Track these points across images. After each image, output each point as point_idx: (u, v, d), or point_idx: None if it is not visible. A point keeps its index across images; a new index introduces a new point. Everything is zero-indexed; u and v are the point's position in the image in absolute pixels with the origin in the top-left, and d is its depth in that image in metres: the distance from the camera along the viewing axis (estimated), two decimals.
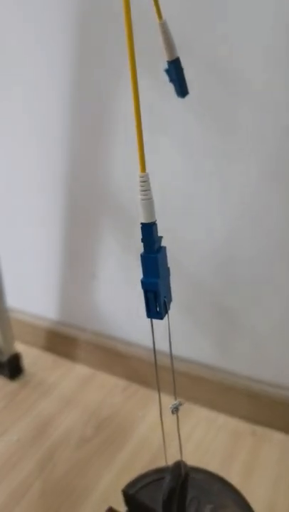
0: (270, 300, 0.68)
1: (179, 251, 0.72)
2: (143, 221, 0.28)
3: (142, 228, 0.28)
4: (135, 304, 0.82)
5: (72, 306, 0.90)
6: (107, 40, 0.66)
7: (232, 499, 0.40)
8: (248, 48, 0.56)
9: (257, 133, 0.60)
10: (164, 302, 0.29)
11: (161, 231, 0.79)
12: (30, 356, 0.93)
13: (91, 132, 0.74)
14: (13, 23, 0.74)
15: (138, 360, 0.82)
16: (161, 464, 0.66)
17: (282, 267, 0.65)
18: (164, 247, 0.29)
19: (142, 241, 0.28)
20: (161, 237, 0.29)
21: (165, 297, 0.30)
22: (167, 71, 0.36)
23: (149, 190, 0.28)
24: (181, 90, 0.37)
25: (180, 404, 0.34)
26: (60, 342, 0.92)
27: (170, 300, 0.31)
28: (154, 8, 0.32)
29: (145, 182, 0.28)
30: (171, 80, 0.37)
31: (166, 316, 0.30)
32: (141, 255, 0.29)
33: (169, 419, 0.81)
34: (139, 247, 0.87)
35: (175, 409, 0.33)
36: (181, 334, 0.77)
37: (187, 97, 0.57)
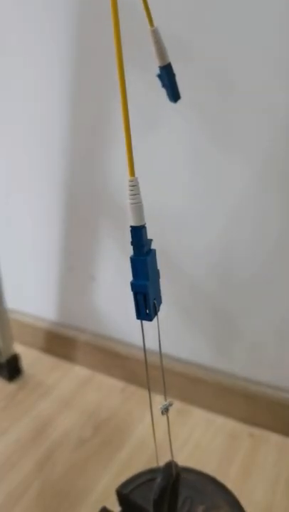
0: (268, 302, 0.68)
1: (176, 253, 0.72)
2: (132, 224, 0.28)
3: (132, 231, 0.28)
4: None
5: (71, 307, 0.90)
6: (107, 40, 0.66)
7: (225, 500, 0.40)
8: (243, 48, 0.57)
9: (253, 134, 0.60)
10: (154, 304, 0.30)
11: (158, 233, 0.78)
12: (29, 357, 0.93)
13: (91, 132, 0.74)
14: (13, 23, 0.74)
15: (136, 361, 0.82)
16: (162, 463, 0.66)
17: (281, 268, 0.65)
18: (154, 250, 0.30)
19: (132, 244, 0.29)
20: (150, 240, 0.30)
21: (155, 299, 0.30)
22: (159, 76, 0.37)
23: (139, 194, 0.28)
24: (173, 95, 0.38)
25: (170, 404, 0.34)
26: (58, 343, 0.92)
27: (160, 302, 0.31)
28: (145, 15, 0.33)
29: (134, 186, 0.28)
30: (164, 85, 0.37)
31: (156, 318, 0.31)
32: (130, 258, 0.29)
33: (166, 420, 0.81)
34: None
35: (165, 410, 0.33)
36: (179, 335, 0.78)
37: (184, 99, 0.58)
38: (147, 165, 0.69)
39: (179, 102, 0.62)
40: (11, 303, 0.91)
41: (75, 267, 0.86)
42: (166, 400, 0.35)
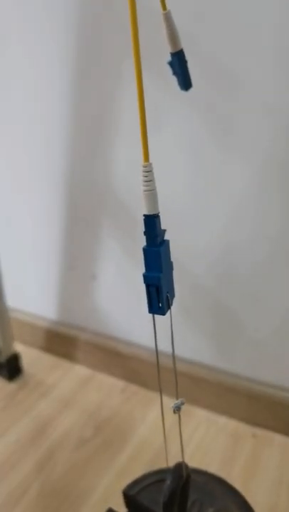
0: (270, 301, 0.67)
1: (176, 252, 0.71)
2: (146, 213, 0.27)
3: (145, 220, 0.27)
4: (135, 304, 0.82)
5: (72, 306, 0.89)
6: (107, 40, 0.65)
7: (235, 502, 0.39)
8: (245, 48, 0.56)
9: (254, 134, 0.59)
10: (167, 297, 0.29)
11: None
12: (29, 356, 0.92)
13: (91, 132, 0.73)
14: (12, 24, 0.73)
15: (138, 360, 0.81)
16: (161, 465, 0.65)
17: (283, 267, 0.64)
18: (168, 241, 0.29)
19: (145, 234, 0.28)
20: (164, 230, 0.29)
21: (168, 292, 0.29)
22: (170, 63, 0.35)
23: (153, 180, 0.27)
24: (185, 83, 0.37)
25: (182, 403, 0.33)
26: (59, 342, 0.91)
27: (173, 296, 0.30)
28: None
29: (148, 172, 0.27)
30: (174, 73, 0.36)
31: (169, 312, 0.30)
32: (143, 248, 0.28)
33: (170, 420, 0.80)
34: (139, 248, 0.87)
35: (177, 409, 0.32)
36: (180, 335, 0.77)
37: (184, 98, 0.57)
38: (152, 162, 0.68)
39: (180, 101, 0.62)
40: (12, 302, 0.90)
41: (75, 267, 0.85)
42: (177, 398, 0.34)
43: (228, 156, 0.62)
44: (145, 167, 0.27)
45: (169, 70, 0.58)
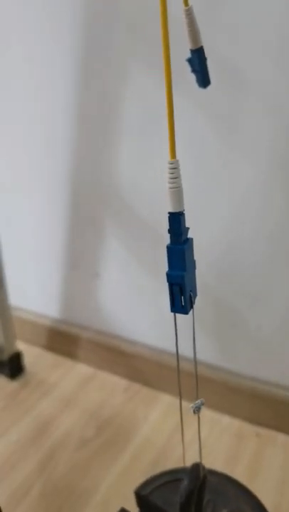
0: (274, 300, 0.67)
1: None
2: (171, 210, 0.27)
3: (170, 218, 0.27)
4: (138, 303, 0.81)
5: (75, 304, 0.89)
6: (109, 39, 0.65)
7: (248, 504, 0.39)
8: (253, 45, 0.56)
9: (260, 133, 0.59)
10: (190, 296, 0.28)
11: (159, 229, 0.78)
12: (31, 355, 0.91)
13: (93, 131, 0.73)
14: (13, 23, 0.73)
15: (140, 359, 0.81)
16: (164, 465, 0.65)
17: (284, 267, 0.64)
18: (191, 239, 0.28)
19: (169, 232, 0.27)
20: (188, 228, 0.28)
21: (191, 291, 0.29)
22: (190, 61, 0.35)
23: (179, 177, 0.27)
24: (203, 80, 0.36)
25: (202, 403, 0.32)
26: (61, 341, 0.90)
27: (196, 294, 0.30)
28: None
29: (175, 169, 0.27)
30: (193, 71, 0.35)
31: (192, 311, 0.29)
32: (167, 246, 0.27)
33: (174, 420, 0.79)
34: (143, 247, 0.86)
35: (197, 409, 0.32)
36: (184, 334, 0.76)
37: (189, 96, 0.56)
38: (151, 161, 0.68)
39: (185, 99, 0.61)
40: (14, 300, 0.89)
41: (78, 265, 0.84)
42: (198, 397, 0.34)
43: (231, 155, 0.62)
44: (172, 164, 0.27)
45: (174, 68, 0.58)
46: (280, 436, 0.71)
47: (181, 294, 0.28)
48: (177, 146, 0.65)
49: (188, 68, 0.59)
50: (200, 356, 0.76)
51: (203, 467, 0.37)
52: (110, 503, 0.63)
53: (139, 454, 0.70)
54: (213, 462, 0.67)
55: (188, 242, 0.28)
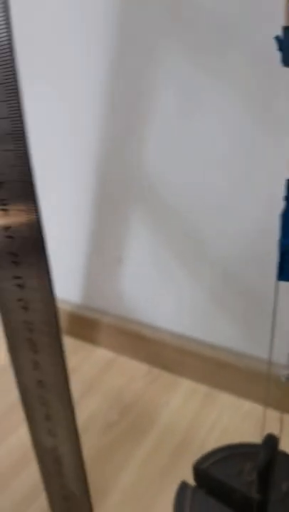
0: None
1: (210, 236, 0.70)
2: None
3: (287, 184, 0.26)
4: (161, 289, 0.81)
5: (96, 289, 0.88)
6: (141, 16, 0.63)
7: None
8: None
9: None
10: None
11: (191, 213, 0.76)
12: None
13: (126, 111, 0.71)
14: (46, 12, 0.71)
15: (161, 344, 0.81)
16: (187, 449, 0.66)
17: None
18: None
19: (285, 199, 0.27)
20: None
21: None
22: (278, 38, 0.34)
23: None
24: None
25: None
26: (81, 326, 0.90)
27: None
28: None
29: None
30: (280, 48, 0.34)
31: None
32: (281, 214, 0.27)
33: (195, 405, 0.79)
34: (169, 233, 0.84)
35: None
36: (208, 319, 0.76)
37: (230, 80, 0.55)
38: (188, 145, 0.67)
39: (226, 84, 0.60)
40: None
41: (101, 250, 0.84)
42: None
43: (273, 141, 0.61)
44: None
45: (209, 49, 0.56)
46: None
47: None
48: (217, 128, 0.63)
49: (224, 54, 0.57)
50: (223, 342, 0.77)
51: (277, 438, 0.37)
52: (138, 485, 0.63)
53: (163, 437, 0.70)
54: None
55: None
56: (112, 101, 0.72)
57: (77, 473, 0.42)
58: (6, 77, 0.25)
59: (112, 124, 0.73)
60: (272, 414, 0.73)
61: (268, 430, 0.70)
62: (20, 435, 0.70)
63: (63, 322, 0.93)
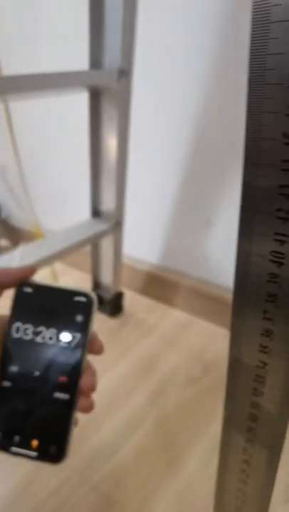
0: None
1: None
2: None
3: None
4: None
5: (178, 251, 0.89)
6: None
7: None
8: None
9: None
10: None
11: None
12: (127, 298, 0.92)
13: (228, 71, 0.71)
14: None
15: None
16: None
17: None
18: None
19: None
20: None
21: None
22: None
23: None
24: None
25: None
26: (158, 286, 0.91)
27: None
28: None
29: None
30: None
31: None
32: None
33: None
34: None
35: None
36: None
37: None
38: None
39: None
40: None
41: (189, 211, 0.84)
42: None
43: None
44: None
45: None
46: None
47: None
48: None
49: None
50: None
51: None
52: (217, 447, 0.64)
53: None
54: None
55: None
56: (217, 59, 0.72)
57: None
58: None
59: (215, 86, 0.73)
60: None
61: None
62: None
63: (139, 282, 0.94)
